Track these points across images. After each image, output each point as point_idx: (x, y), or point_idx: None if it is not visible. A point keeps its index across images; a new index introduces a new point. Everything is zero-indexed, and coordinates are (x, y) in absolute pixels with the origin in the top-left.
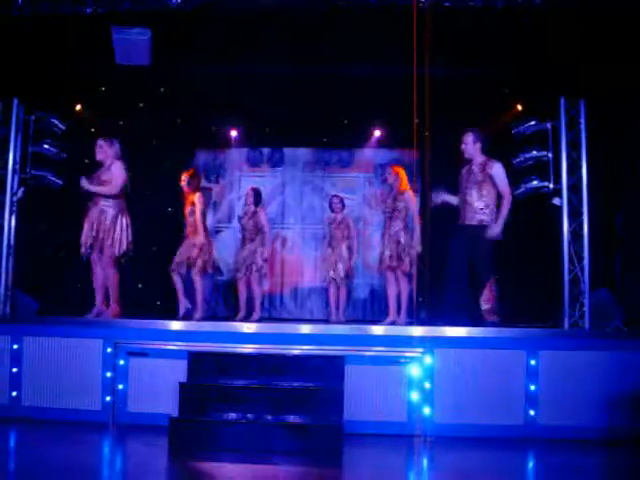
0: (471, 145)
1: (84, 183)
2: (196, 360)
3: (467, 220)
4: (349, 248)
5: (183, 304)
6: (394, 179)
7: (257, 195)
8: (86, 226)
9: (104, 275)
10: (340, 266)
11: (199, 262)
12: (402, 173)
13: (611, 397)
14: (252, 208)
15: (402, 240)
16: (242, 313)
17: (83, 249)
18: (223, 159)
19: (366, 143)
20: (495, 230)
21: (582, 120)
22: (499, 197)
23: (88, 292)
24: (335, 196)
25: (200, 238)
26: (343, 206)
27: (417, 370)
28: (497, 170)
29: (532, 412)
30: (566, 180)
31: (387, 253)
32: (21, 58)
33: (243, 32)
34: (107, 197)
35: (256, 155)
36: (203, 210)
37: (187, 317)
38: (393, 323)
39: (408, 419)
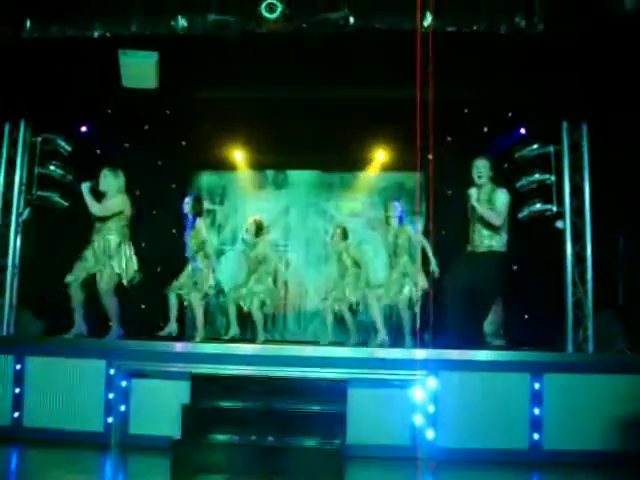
0: (488, 173)
1: (85, 189)
2: (199, 382)
3: (475, 246)
4: (355, 277)
5: (173, 326)
6: (397, 215)
7: (257, 226)
8: (85, 256)
9: (103, 303)
10: (343, 292)
11: (200, 285)
12: (395, 208)
13: (617, 420)
14: (253, 239)
15: (409, 273)
16: (236, 331)
17: (70, 278)
18: (227, 181)
19: (370, 166)
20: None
21: (584, 143)
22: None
23: (89, 313)
24: (337, 226)
25: (201, 261)
26: (346, 235)
27: (421, 393)
28: (500, 194)
29: (537, 436)
30: (569, 203)
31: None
32: (28, 80)
33: (249, 55)
34: (110, 227)
35: (260, 177)
36: (205, 233)
37: (173, 338)
38: (383, 344)
39: (411, 443)
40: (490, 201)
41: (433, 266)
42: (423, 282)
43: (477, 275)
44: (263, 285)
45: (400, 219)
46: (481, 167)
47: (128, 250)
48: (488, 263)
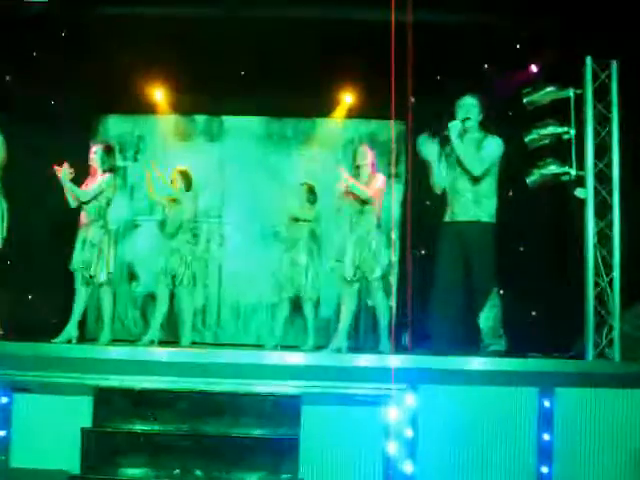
0: (477, 112)
1: None
2: (104, 398)
3: (458, 215)
4: (311, 252)
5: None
6: (367, 162)
7: (186, 180)
8: None
9: None
10: (300, 276)
11: (101, 266)
12: (370, 153)
13: None
14: (180, 193)
15: (374, 243)
16: (156, 335)
17: None
18: (143, 129)
19: (335, 111)
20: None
21: (614, 87)
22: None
23: None
24: (303, 184)
25: (100, 234)
26: (313, 198)
27: (395, 413)
28: (492, 141)
29: (545, 469)
30: (592, 165)
31: (351, 261)
32: None
33: None
34: None
35: (188, 124)
36: (109, 197)
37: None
38: (338, 350)
39: (384, 478)
40: (478, 150)
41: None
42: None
43: (465, 255)
44: (185, 258)
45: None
46: (468, 106)
47: None
48: (476, 238)
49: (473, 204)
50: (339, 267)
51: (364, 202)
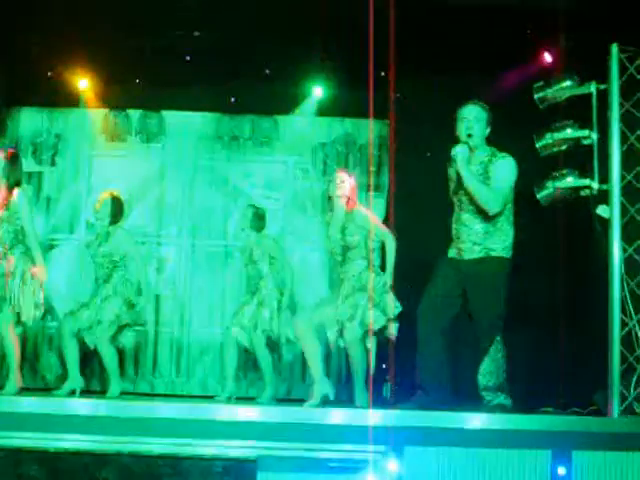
0: (483, 127)
1: None
2: (9, 461)
3: (462, 251)
4: (270, 284)
5: None
6: (346, 193)
7: (115, 205)
8: None
9: None
10: (256, 313)
11: (14, 300)
12: (351, 181)
13: None
14: (106, 225)
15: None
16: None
17: None
18: (63, 126)
19: (300, 107)
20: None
21: None
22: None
23: None
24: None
25: (19, 260)
26: (257, 225)
27: None
28: (504, 163)
29: None
30: (619, 177)
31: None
32: None
33: None
34: None
35: (119, 121)
36: (27, 214)
37: None
38: (327, 398)
39: None
40: (486, 174)
41: (387, 278)
42: (391, 304)
43: (465, 296)
44: (118, 303)
45: (349, 200)
46: (471, 118)
47: None
48: (483, 277)
49: (483, 237)
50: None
51: (346, 251)
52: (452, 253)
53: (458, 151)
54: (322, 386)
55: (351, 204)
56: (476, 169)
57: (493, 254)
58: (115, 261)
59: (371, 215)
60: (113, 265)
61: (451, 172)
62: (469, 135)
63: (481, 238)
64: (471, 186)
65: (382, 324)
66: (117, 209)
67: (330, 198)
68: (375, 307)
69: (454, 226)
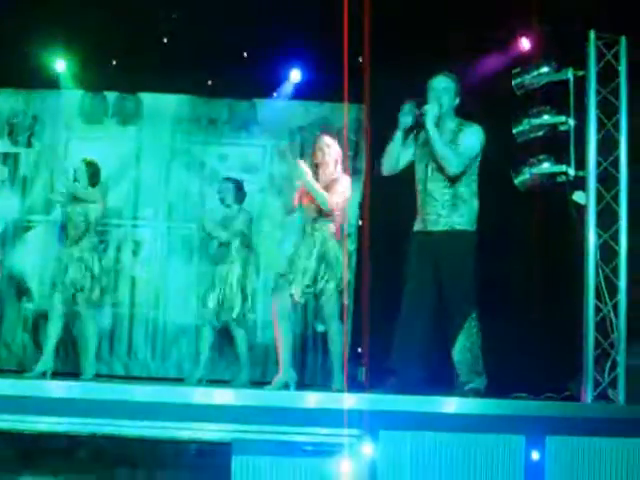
0: (452, 97)
1: None
2: None
3: (430, 223)
4: (245, 265)
5: None
6: (330, 159)
7: (93, 172)
8: None
9: None
10: (231, 294)
11: None
12: (334, 147)
13: None
14: (85, 189)
15: (331, 256)
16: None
17: None
18: (39, 107)
19: (278, 91)
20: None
21: (622, 68)
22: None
23: None
24: (228, 180)
25: None
26: (241, 196)
27: (349, 466)
28: (472, 130)
29: None
30: (594, 162)
31: (301, 277)
32: None
33: None
34: None
35: (96, 103)
36: None
37: None
38: (286, 386)
39: None
40: (455, 143)
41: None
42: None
43: (437, 271)
44: (90, 270)
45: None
46: (440, 88)
47: None
48: (451, 250)
49: (449, 209)
50: (283, 284)
51: (321, 210)
52: (418, 226)
53: (428, 108)
54: (284, 374)
55: (336, 170)
56: (446, 136)
57: (458, 227)
58: (90, 223)
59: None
60: (86, 227)
61: (420, 140)
62: (440, 104)
63: (446, 210)
64: (435, 145)
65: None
66: (93, 171)
67: (316, 165)
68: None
69: (420, 196)
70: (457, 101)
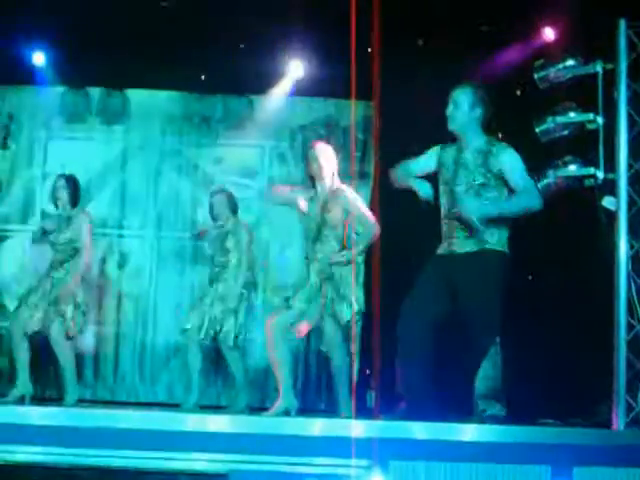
0: (466, 111)
1: None
2: None
3: (453, 245)
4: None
5: None
6: (323, 167)
7: (72, 189)
8: None
9: None
10: (222, 315)
11: None
12: (331, 154)
13: None
14: (67, 210)
15: (338, 277)
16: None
17: None
18: (16, 105)
19: (277, 86)
20: (471, 208)
21: None
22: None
23: None
24: (219, 192)
25: None
26: (233, 209)
27: None
28: (509, 160)
29: None
30: (626, 165)
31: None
32: None
33: None
34: None
35: (78, 100)
36: None
37: None
38: (287, 413)
39: None
40: (486, 165)
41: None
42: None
43: (458, 295)
44: (74, 297)
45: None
46: (451, 101)
47: None
48: (477, 271)
49: (478, 231)
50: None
51: (320, 228)
52: (442, 250)
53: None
54: (285, 399)
55: (337, 182)
56: (473, 158)
57: (488, 247)
58: (77, 248)
59: (358, 199)
60: (75, 252)
61: (445, 158)
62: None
63: (475, 232)
64: (506, 211)
65: (348, 319)
66: (74, 190)
67: (312, 178)
68: (342, 300)
69: (445, 221)
70: (479, 112)
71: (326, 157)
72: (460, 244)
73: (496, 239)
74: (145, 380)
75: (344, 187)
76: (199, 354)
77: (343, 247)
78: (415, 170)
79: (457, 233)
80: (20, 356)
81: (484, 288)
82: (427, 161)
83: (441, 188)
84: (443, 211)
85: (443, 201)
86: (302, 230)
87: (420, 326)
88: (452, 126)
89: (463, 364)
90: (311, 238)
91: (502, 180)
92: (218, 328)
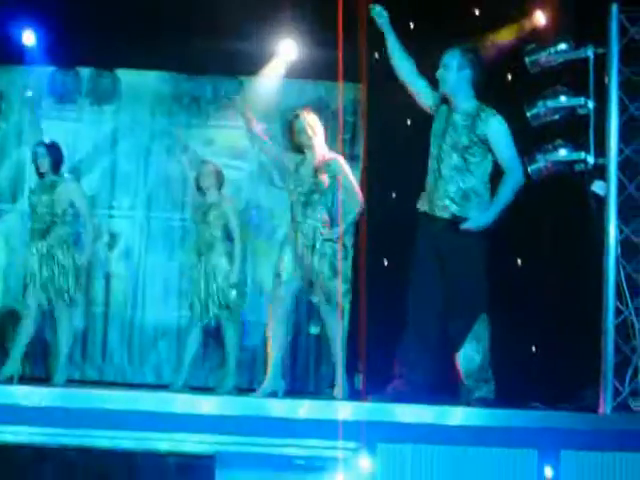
0: (454, 73)
1: None
2: None
3: (437, 208)
4: (229, 256)
5: None
6: (313, 136)
7: (56, 156)
8: None
9: None
10: (214, 288)
11: None
12: (317, 124)
13: None
14: (49, 176)
15: (326, 247)
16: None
17: None
18: (4, 84)
19: (267, 68)
20: (478, 222)
21: None
22: (496, 173)
23: None
24: (209, 163)
25: None
26: (220, 182)
27: None
28: (496, 127)
29: None
30: (616, 150)
31: (292, 267)
32: None
33: None
34: None
35: (68, 80)
36: None
37: None
38: (274, 394)
39: None
40: (472, 128)
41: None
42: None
43: (440, 263)
44: (60, 266)
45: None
46: (441, 65)
47: None
48: (458, 245)
49: (460, 199)
50: (278, 284)
51: (312, 191)
52: (424, 207)
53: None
54: (272, 381)
55: (326, 149)
56: (462, 120)
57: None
58: (56, 214)
59: (349, 170)
60: (52, 219)
61: (442, 110)
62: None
63: (458, 199)
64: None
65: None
66: (56, 155)
67: (299, 146)
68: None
69: (430, 176)
70: (467, 73)
71: (313, 126)
72: (442, 209)
73: (476, 214)
74: (133, 361)
75: (338, 156)
76: (199, 337)
77: (331, 219)
78: (419, 80)
79: (440, 194)
80: (22, 337)
81: (466, 263)
82: (428, 91)
83: (432, 139)
84: (432, 164)
85: (433, 152)
86: (288, 192)
87: (414, 293)
88: (442, 88)
89: (450, 337)
90: (301, 202)
91: (487, 145)
92: (215, 303)
